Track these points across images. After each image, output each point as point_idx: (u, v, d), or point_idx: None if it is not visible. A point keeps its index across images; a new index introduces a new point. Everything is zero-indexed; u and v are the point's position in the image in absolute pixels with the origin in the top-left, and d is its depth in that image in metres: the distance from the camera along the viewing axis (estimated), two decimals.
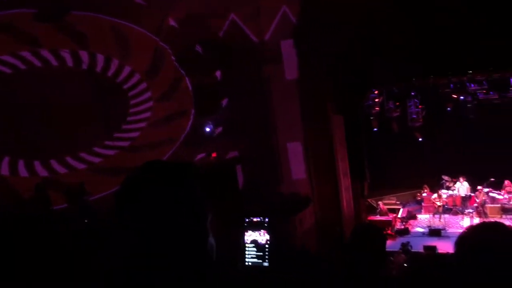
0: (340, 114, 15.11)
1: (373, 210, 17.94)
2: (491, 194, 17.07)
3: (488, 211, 16.69)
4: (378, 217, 16.82)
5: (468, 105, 17.53)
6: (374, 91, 17.02)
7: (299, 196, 13.83)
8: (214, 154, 13.58)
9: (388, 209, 17.40)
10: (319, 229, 14.10)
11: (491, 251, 1.73)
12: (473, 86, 16.59)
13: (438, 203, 17.45)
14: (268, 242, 4.39)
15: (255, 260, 4.78)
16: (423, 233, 16.15)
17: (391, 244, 14.54)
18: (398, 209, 17.89)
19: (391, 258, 11.28)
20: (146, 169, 1.56)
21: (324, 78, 13.69)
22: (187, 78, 13.45)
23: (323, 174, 14.43)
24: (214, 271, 1.57)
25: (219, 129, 13.89)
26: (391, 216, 16.78)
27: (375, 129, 18.21)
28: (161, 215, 1.48)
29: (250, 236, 4.85)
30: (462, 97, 17.09)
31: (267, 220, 4.42)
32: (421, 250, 13.46)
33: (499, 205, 16.81)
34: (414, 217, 17.83)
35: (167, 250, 1.46)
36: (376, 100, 17.38)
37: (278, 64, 13.62)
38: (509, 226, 2.02)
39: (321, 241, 13.49)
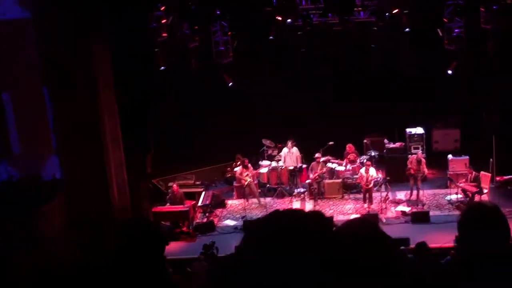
0: (106, 42, 15.15)
1: (161, 195, 18.36)
2: (329, 164, 18.28)
3: (325, 190, 17.82)
4: (168, 207, 17.31)
5: (298, 33, 18.15)
6: (160, 7, 16.90)
7: (38, 180, 14.01)
8: None
9: (184, 193, 17.86)
10: (77, 231, 14.06)
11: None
12: (304, 4, 17.36)
13: (248, 180, 18.23)
14: None
15: None
16: (235, 228, 16.89)
17: (189, 248, 15.51)
18: (199, 193, 18.52)
19: (188, 269, 12.57)
20: None
21: None
22: None
23: (79, 143, 14.39)
24: None
25: None
26: (188, 204, 17.24)
27: (163, 67, 18.07)
28: None
29: None
30: (289, 20, 17.41)
31: None
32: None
33: (339, 180, 18.11)
34: (223, 204, 18.63)
35: None
36: (163, 21, 17.16)
37: None
38: (311, 211, 2.27)
39: (82, 248, 13.36)
